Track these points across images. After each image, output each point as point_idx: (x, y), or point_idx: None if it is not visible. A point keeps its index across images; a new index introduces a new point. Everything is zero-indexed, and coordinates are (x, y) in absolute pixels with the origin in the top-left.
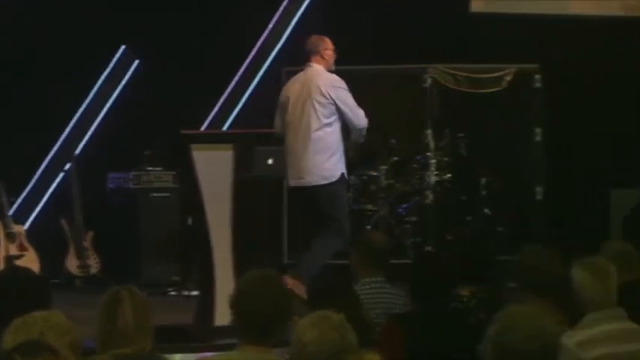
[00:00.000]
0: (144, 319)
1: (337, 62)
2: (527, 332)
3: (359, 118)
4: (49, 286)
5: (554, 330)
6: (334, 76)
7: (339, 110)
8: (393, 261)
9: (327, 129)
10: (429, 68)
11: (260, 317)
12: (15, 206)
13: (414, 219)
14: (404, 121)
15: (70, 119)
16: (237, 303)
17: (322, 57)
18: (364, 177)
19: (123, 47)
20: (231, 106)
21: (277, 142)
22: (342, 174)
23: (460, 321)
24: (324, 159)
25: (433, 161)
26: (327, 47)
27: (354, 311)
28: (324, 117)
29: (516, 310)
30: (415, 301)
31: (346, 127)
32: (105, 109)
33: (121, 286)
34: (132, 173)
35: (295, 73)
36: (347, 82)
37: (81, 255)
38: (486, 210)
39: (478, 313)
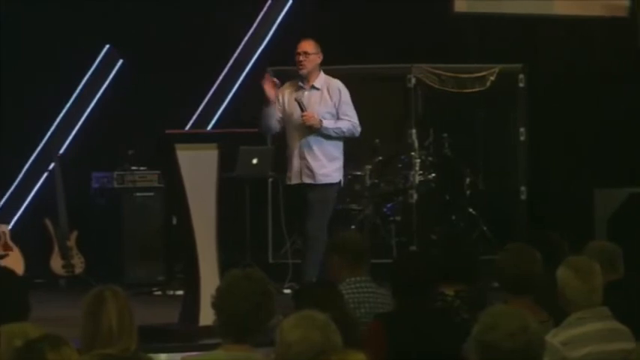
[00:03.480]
0: (128, 319)
1: (323, 62)
2: (511, 330)
3: None
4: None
5: (537, 328)
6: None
7: None
8: (378, 260)
9: None
10: (413, 68)
11: (241, 316)
12: None
13: (398, 218)
14: (388, 121)
15: (54, 118)
16: (218, 302)
17: None
18: (349, 176)
19: (107, 46)
20: (215, 106)
21: (261, 141)
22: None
23: (444, 320)
24: None
25: (417, 161)
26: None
27: (339, 311)
28: None
29: (499, 308)
30: (396, 300)
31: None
32: (89, 109)
33: (104, 286)
34: (116, 173)
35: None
36: None
37: (65, 255)
38: (470, 209)
39: (462, 313)
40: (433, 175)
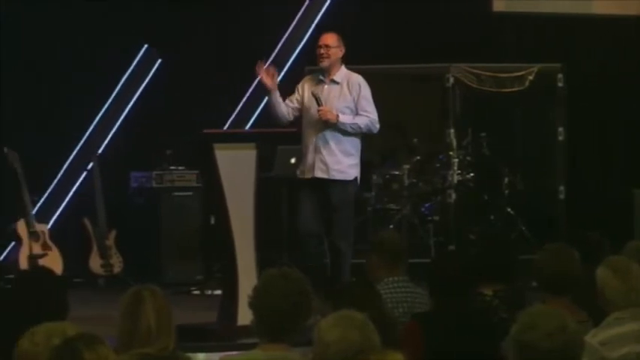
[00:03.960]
0: (166, 318)
1: (361, 61)
2: (549, 330)
3: None
4: (67, 287)
5: (576, 328)
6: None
7: None
8: (416, 260)
9: None
10: (452, 67)
11: (279, 316)
12: (38, 205)
13: (436, 218)
14: (426, 121)
15: (93, 118)
16: (255, 302)
17: None
18: (387, 176)
19: (145, 46)
20: (253, 106)
21: (299, 141)
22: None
23: (481, 320)
24: None
25: (456, 160)
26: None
27: (377, 310)
28: None
29: (538, 308)
30: (433, 300)
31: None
32: (127, 108)
33: (142, 285)
34: (154, 172)
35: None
36: (369, 81)
37: (104, 254)
38: (509, 209)
39: (500, 312)
40: (471, 174)
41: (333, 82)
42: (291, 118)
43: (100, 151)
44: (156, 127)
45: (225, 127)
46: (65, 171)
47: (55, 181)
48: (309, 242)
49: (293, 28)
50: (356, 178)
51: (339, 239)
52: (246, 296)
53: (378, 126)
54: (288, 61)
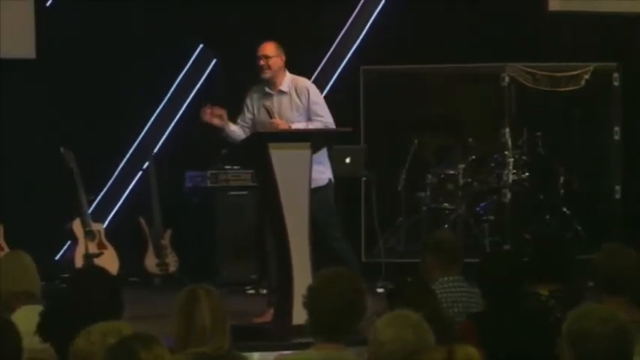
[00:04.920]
0: (221, 317)
1: (416, 61)
2: (601, 315)
3: None
4: (122, 286)
5: (627, 321)
6: None
7: None
8: (471, 260)
9: None
10: (507, 67)
11: (333, 315)
12: (94, 205)
13: (491, 218)
14: (481, 120)
15: (148, 118)
16: (310, 301)
17: None
18: (442, 176)
19: (200, 46)
20: None
21: (354, 141)
22: None
23: (536, 320)
24: None
25: (511, 160)
26: None
27: (433, 310)
28: None
29: (588, 304)
30: (486, 300)
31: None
32: (183, 108)
33: (197, 285)
34: (209, 172)
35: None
36: (423, 81)
37: (159, 253)
38: (564, 209)
39: (556, 312)
40: (527, 174)
41: (281, 92)
42: (248, 132)
43: (155, 150)
44: (211, 126)
45: None
46: (121, 170)
47: (111, 180)
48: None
49: (348, 27)
50: (330, 180)
51: (333, 241)
52: (300, 296)
53: (334, 127)
54: (343, 60)
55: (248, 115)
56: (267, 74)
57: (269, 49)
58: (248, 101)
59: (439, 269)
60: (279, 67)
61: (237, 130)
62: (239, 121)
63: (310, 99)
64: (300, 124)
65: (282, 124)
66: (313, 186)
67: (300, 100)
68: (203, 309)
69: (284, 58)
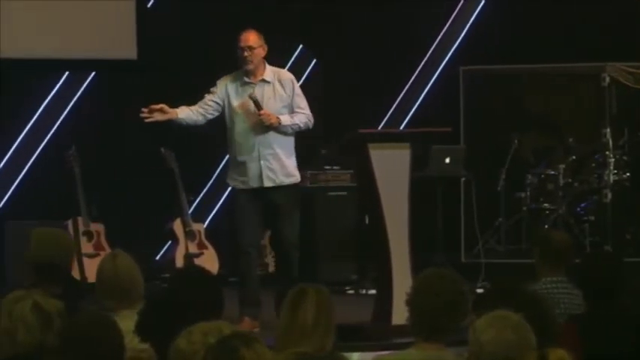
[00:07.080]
0: (325, 317)
1: (516, 60)
2: None
3: None
4: (222, 286)
5: None
6: None
7: None
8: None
9: None
10: (607, 67)
11: (435, 315)
12: (195, 204)
13: (592, 218)
14: (582, 120)
15: None
16: (412, 300)
17: None
18: (542, 176)
19: (300, 47)
20: (407, 105)
21: (453, 141)
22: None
23: (638, 322)
24: None
25: (612, 160)
26: None
27: (534, 311)
28: None
29: None
30: (587, 301)
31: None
32: None
33: (310, 283)
34: (309, 172)
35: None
36: (523, 81)
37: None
38: None
39: None
40: (628, 174)
41: (264, 81)
42: (209, 117)
43: None
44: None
45: (380, 127)
46: (221, 171)
47: (211, 180)
48: (251, 253)
49: (448, 27)
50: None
51: (291, 246)
52: (400, 296)
53: (313, 121)
54: (442, 60)
55: (215, 100)
56: (250, 66)
57: (252, 39)
58: (219, 88)
59: (545, 268)
60: (260, 58)
61: (189, 115)
62: (199, 103)
63: (295, 91)
64: (287, 117)
65: (273, 116)
66: (291, 182)
67: (284, 91)
68: (308, 305)
69: (266, 48)
